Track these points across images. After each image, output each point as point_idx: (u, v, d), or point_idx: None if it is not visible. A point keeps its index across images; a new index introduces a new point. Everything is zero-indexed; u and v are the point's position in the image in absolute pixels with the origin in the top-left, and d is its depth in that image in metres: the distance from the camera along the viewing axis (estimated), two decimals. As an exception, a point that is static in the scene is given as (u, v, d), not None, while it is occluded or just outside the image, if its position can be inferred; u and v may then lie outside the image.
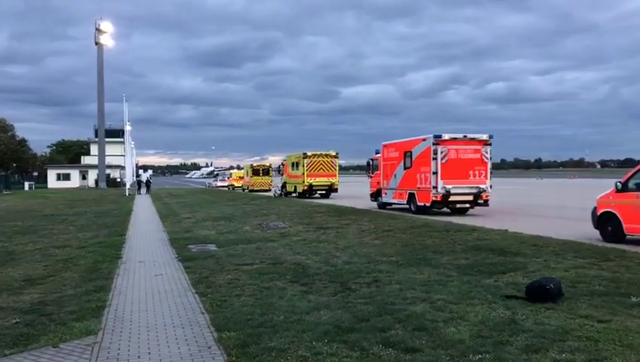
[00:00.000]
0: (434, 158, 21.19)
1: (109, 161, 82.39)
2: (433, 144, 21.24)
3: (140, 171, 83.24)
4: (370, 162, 29.29)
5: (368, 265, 10.16)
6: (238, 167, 71.49)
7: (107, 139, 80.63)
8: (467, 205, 21.76)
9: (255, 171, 54.22)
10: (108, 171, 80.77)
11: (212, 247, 13.17)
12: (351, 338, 5.79)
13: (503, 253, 11.25)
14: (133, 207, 31.89)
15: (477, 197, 21.44)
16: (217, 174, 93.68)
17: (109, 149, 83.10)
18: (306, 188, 37.32)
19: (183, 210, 27.80)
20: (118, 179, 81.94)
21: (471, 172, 21.38)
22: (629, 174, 12.81)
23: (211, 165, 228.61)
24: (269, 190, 51.97)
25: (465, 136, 21.61)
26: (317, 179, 37.59)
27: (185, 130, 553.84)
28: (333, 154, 38.98)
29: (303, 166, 37.64)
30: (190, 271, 9.97)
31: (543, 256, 10.85)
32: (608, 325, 6.17)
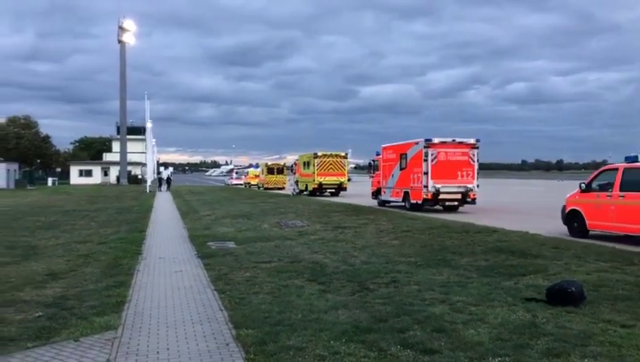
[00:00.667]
0: (425, 160, 23.24)
1: (130, 157, 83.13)
2: (424, 147, 23.28)
3: (161, 168, 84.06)
4: (372, 163, 31.11)
5: (387, 265, 10.12)
6: (257, 166, 72.58)
7: (129, 137, 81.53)
8: (456, 203, 23.83)
9: (270, 170, 56.74)
10: (129, 168, 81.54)
11: (231, 245, 13.24)
12: (369, 338, 5.75)
13: (524, 255, 11.12)
14: (153, 203, 32.20)
15: (465, 196, 23.56)
16: (237, 172, 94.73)
17: (131, 146, 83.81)
18: (316, 186, 39.19)
19: (203, 207, 27.99)
20: (139, 176, 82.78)
21: (459, 173, 23.48)
22: (592, 176, 14.60)
23: (231, 163, 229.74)
24: (283, 188, 54.09)
25: (454, 140, 23.66)
26: (327, 178, 39.55)
27: (205, 129, 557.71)
28: (343, 154, 41.09)
29: (314, 165, 39.37)
30: (209, 268, 10.02)
31: (564, 258, 10.69)
32: (632, 330, 6.06)
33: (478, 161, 23.68)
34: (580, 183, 14.79)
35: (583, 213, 14.55)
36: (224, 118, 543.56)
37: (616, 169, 13.78)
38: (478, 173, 23.84)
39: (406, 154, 25.06)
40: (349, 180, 45.56)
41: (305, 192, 40.86)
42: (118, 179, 79.60)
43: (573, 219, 14.87)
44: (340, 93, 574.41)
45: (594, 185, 14.49)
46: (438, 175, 23.20)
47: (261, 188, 56.65)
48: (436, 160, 23.22)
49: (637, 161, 13.37)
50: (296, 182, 43.40)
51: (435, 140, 23.46)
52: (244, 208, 26.09)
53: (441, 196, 23.39)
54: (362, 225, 17.46)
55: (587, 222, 14.41)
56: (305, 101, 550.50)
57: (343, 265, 10.15)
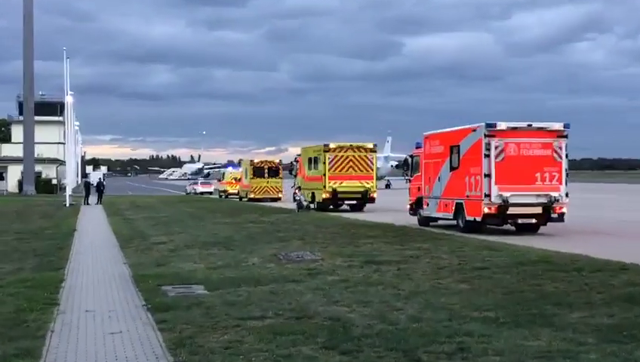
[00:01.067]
0: (486, 155, 23.63)
1: (40, 151, 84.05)
2: (485, 136, 23.62)
3: (89, 169, 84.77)
4: (409, 160, 31.40)
5: (449, 324, 10.13)
6: (238, 164, 72.91)
7: (38, 118, 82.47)
8: (533, 220, 24.45)
9: (257, 171, 57.20)
10: (38, 168, 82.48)
11: (200, 290, 13.27)
12: None
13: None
14: (77, 224, 32.38)
15: (547, 210, 23.97)
16: (207, 173, 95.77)
17: (41, 134, 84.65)
18: (328, 196, 39.80)
19: (155, 229, 28.17)
20: (55, 181, 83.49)
21: (538, 174, 23.86)
22: None
23: (198, 159, 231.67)
24: (278, 198, 55.30)
25: (530, 126, 24.08)
26: (344, 183, 40.01)
27: (159, 105, 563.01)
28: (369, 146, 41.16)
29: (324, 163, 39.75)
30: (165, 328, 10.08)
31: None
32: None
33: (567, 156, 24.17)
34: None
35: None
36: (189, 89, 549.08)
37: None
38: (567, 175, 24.23)
39: (458, 146, 25.37)
40: (387, 186, 45.54)
41: (311, 205, 41.37)
42: (20, 185, 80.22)
43: None
44: (374, 48, 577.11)
45: None
46: (506, 178, 23.62)
47: (244, 199, 57.82)
48: (503, 155, 23.58)
49: None
50: (298, 189, 44.00)
51: (502, 125, 23.81)
52: (221, 231, 26.20)
53: (512, 210, 23.74)
54: (409, 258, 17.47)
55: None
56: (316, 61, 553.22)
57: (379, 324, 10.17)
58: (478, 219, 24.06)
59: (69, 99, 65.19)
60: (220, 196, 70.53)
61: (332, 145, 40.15)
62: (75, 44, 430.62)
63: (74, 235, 26.25)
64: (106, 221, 35.02)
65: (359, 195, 40.16)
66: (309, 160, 42.59)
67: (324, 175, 39.69)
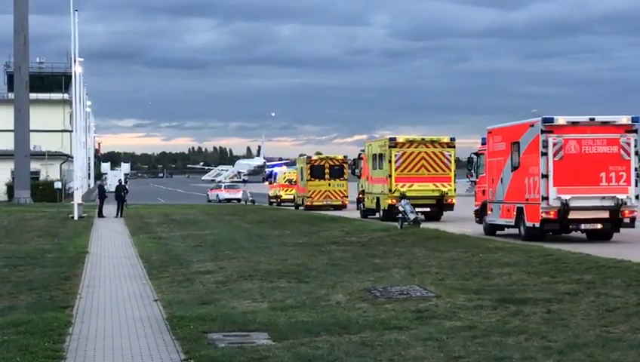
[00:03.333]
0: (543, 153, 28.39)
1: (37, 141, 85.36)
2: (542, 132, 28.49)
3: (105, 168, 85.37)
4: (475, 158, 37.31)
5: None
6: (290, 163, 77.62)
7: (34, 95, 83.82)
8: (599, 225, 29.39)
9: (316, 170, 61.42)
10: (35, 166, 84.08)
11: (262, 339, 13.39)
12: None
13: None
14: (89, 245, 32.86)
15: (615, 215, 28.79)
16: (238, 173, 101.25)
17: (39, 117, 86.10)
18: (393, 202, 43.07)
19: (198, 253, 28.47)
20: (58, 185, 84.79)
21: (603, 174, 28.39)
22: None
23: (258, 153, 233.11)
24: (344, 205, 60.01)
25: (592, 120, 29.01)
26: (414, 186, 44.21)
27: (201, 76, 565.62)
28: (446, 140, 45.48)
29: (390, 161, 43.77)
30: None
31: None
32: None
33: (638, 153, 27.94)
34: None
35: None
36: (242, 53, 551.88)
37: None
38: (638, 175, 27.87)
39: (519, 143, 30.00)
40: None
41: (376, 214, 45.85)
42: (10, 189, 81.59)
43: None
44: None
45: None
46: (565, 178, 28.46)
47: (301, 207, 62.54)
48: (562, 153, 27.88)
49: None
50: (362, 195, 48.83)
51: (560, 120, 28.27)
52: (292, 256, 26.42)
53: (572, 214, 28.43)
54: (564, 295, 17.31)
55: None
56: (426, 10, 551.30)
57: (521, 392, 10.01)
58: (537, 224, 28.67)
59: (77, 69, 65.32)
60: (271, 203, 75.22)
61: (400, 139, 44.00)
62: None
63: (85, 260, 26.61)
64: (129, 240, 35.44)
65: (434, 200, 44.57)
66: (373, 157, 46.68)
67: (390, 176, 43.55)
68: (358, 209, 49.59)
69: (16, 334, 13.95)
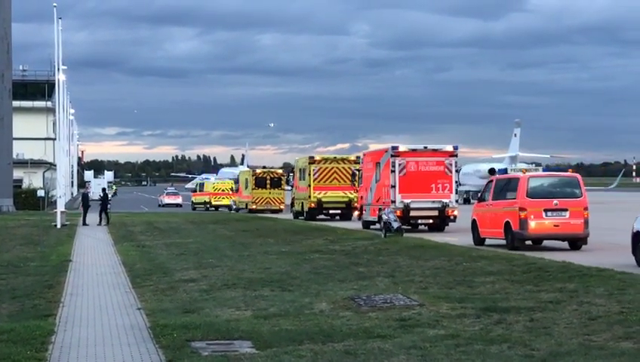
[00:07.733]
0: (392, 171, 42.12)
1: (19, 150, 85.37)
2: (392, 155, 42.19)
3: (89, 176, 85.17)
4: (357, 173, 52.38)
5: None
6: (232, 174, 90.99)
7: (17, 103, 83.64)
8: (431, 221, 43.40)
9: (259, 181, 77.24)
10: (17, 174, 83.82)
11: (245, 348, 13.38)
12: None
13: None
14: (72, 253, 32.85)
15: (442, 213, 42.79)
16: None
17: (21, 125, 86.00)
18: (313, 206, 58.81)
19: (181, 261, 28.52)
20: (41, 193, 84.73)
21: (434, 185, 42.49)
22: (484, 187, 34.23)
23: (242, 162, 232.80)
24: (280, 210, 75.10)
25: (426, 148, 43.56)
26: (328, 194, 59.07)
27: (183, 85, 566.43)
28: (353, 158, 59.71)
29: (310, 174, 58.68)
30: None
31: None
32: None
33: (458, 171, 39.17)
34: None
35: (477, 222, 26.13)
36: (224, 62, 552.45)
37: None
38: (457, 186, 38.73)
39: (379, 163, 44.72)
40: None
41: (304, 215, 60.39)
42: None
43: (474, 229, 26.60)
44: (488, 2, 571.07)
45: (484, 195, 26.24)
46: (407, 188, 43.03)
47: (243, 210, 78.81)
48: (404, 171, 42.09)
49: None
50: (293, 202, 64.65)
51: (403, 148, 43.80)
52: (275, 264, 26.50)
53: (413, 213, 43.85)
54: (547, 304, 17.39)
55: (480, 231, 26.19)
56: (406, 20, 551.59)
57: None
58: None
59: (61, 77, 65.27)
60: (194, 209, 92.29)
61: (317, 157, 60.46)
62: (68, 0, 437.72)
63: (68, 269, 26.59)
64: (112, 249, 35.42)
65: (344, 205, 59.46)
66: (301, 171, 59.97)
67: (309, 185, 59.13)
68: (291, 212, 63.47)
69: (-2, 344, 13.92)
